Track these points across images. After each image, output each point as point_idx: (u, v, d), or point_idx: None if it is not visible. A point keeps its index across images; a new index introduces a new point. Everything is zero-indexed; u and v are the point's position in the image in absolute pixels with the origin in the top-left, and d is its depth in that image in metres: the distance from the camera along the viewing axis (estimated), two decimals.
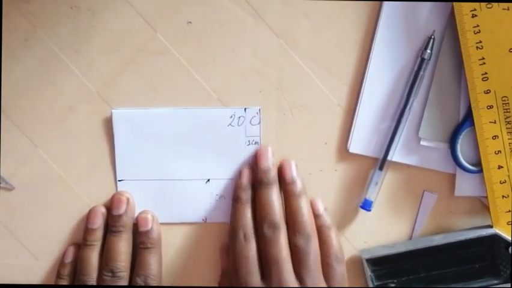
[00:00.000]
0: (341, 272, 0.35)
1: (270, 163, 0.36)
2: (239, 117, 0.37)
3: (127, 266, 0.36)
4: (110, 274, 0.35)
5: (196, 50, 0.36)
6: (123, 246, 0.36)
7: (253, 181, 0.36)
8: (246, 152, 0.37)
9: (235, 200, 0.36)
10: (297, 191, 0.36)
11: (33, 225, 0.38)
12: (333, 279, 0.35)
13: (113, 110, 0.36)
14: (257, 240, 0.35)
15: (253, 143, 0.37)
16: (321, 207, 0.37)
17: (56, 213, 0.37)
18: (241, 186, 0.36)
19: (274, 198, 0.35)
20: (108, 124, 0.37)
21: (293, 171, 0.36)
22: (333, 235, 0.36)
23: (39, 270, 0.38)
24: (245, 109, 0.37)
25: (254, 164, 0.36)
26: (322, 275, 0.35)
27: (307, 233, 0.34)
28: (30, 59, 0.36)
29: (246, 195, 0.36)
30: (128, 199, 0.36)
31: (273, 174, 0.36)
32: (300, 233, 0.34)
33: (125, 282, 0.35)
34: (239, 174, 0.37)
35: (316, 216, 0.36)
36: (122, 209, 0.36)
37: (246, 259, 0.34)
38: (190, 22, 0.36)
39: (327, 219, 0.36)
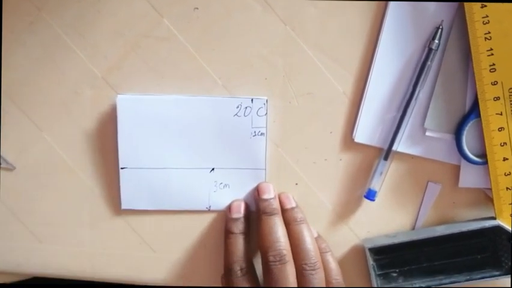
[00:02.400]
0: None
1: (272, 195, 0.36)
2: (246, 108, 0.37)
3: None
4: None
5: (202, 36, 0.36)
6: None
7: (256, 211, 0.36)
8: (252, 143, 0.37)
9: (227, 233, 0.36)
10: (298, 217, 0.36)
11: (37, 208, 0.38)
12: None
13: (118, 96, 0.36)
14: (253, 273, 0.35)
15: (259, 134, 0.37)
16: (315, 233, 0.37)
17: (60, 197, 0.38)
18: (232, 219, 0.36)
19: (279, 227, 0.35)
20: (113, 109, 0.37)
21: (292, 201, 0.37)
22: (330, 259, 0.36)
23: (43, 253, 0.38)
24: (252, 99, 0.37)
25: (256, 196, 0.37)
26: None
27: (313, 262, 0.34)
28: (35, 43, 0.36)
29: (238, 227, 0.36)
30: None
31: (276, 204, 0.36)
32: (306, 262, 0.34)
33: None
34: (228, 208, 0.37)
35: None
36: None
37: None
38: (197, 8, 0.36)
39: (322, 242, 0.37)
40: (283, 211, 0.36)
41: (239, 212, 0.37)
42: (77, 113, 0.37)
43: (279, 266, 0.33)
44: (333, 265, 0.36)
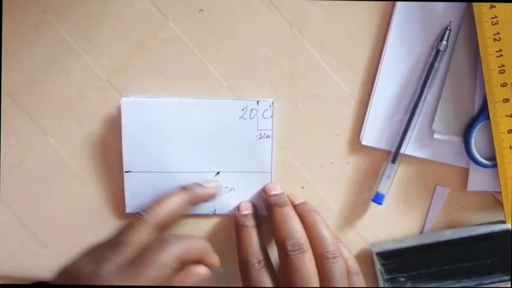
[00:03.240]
0: (360, 282, 0.35)
1: (280, 191, 0.36)
2: (251, 110, 0.36)
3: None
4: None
5: (207, 38, 0.36)
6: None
7: (266, 207, 0.36)
8: (257, 146, 0.37)
9: (239, 227, 0.35)
10: (311, 209, 0.35)
11: (41, 212, 0.37)
12: None
13: (122, 98, 0.36)
14: (270, 265, 0.34)
15: (265, 136, 0.36)
16: None
17: (64, 201, 0.37)
18: (242, 215, 0.36)
19: (293, 217, 0.34)
20: (118, 112, 0.36)
21: (300, 198, 0.37)
22: (344, 248, 0.36)
23: (47, 257, 0.38)
24: (258, 102, 0.36)
25: (264, 195, 0.36)
26: None
27: (333, 249, 0.33)
28: (40, 45, 0.36)
29: (250, 221, 0.35)
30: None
31: (286, 198, 0.36)
32: (327, 250, 0.33)
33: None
34: (237, 208, 0.37)
35: None
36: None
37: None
38: (202, 10, 0.36)
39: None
40: (294, 206, 0.35)
41: (249, 209, 0.36)
42: (82, 115, 0.36)
43: (299, 255, 0.32)
44: (347, 254, 0.35)
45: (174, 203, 0.34)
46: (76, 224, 0.38)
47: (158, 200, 0.34)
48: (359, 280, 0.34)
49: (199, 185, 0.36)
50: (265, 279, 0.33)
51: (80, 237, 0.37)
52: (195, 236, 0.34)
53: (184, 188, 0.35)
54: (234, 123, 0.36)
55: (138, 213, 0.33)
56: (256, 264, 0.33)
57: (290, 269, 0.32)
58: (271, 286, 0.33)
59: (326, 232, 0.33)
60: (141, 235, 0.32)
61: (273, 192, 0.36)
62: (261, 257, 0.34)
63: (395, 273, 0.37)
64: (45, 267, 0.38)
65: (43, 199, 0.37)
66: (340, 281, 0.32)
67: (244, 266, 0.34)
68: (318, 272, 0.32)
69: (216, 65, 0.36)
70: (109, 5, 0.35)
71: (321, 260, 0.32)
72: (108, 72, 0.36)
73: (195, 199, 0.36)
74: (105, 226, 0.38)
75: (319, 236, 0.33)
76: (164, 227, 0.33)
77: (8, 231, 0.38)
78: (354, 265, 0.35)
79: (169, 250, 0.31)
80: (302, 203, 0.36)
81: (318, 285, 0.32)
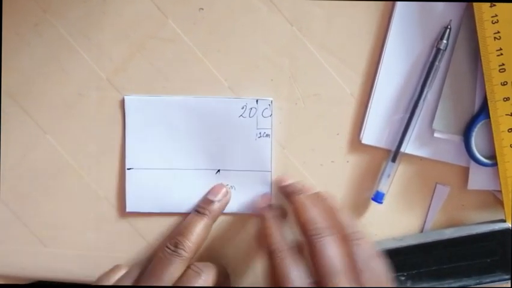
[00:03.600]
0: (381, 265, 0.33)
1: (293, 180, 0.36)
2: (251, 109, 0.36)
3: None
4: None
5: (207, 37, 0.36)
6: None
7: (284, 196, 0.36)
8: (257, 144, 0.37)
9: (262, 220, 0.35)
10: (327, 196, 0.35)
11: (41, 212, 0.37)
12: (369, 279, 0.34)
13: (125, 96, 0.36)
14: (294, 251, 0.34)
15: (264, 135, 0.36)
16: None
17: (64, 200, 0.37)
18: (263, 207, 0.36)
19: (310, 204, 0.33)
20: (118, 111, 0.36)
21: (313, 188, 0.36)
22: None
23: (47, 256, 0.38)
24: (257, 100, 0.36)
25: (279, 186, 0.36)
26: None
27: (355, 232, 0.32)
28: (40, 44, 0.36)
29: (271, 213, 0.35)
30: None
31: (300, 184, 0.36)
32: (349, 232, 0.32)
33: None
34: (257, 201, 0.37)
35: None
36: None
37: (294, 278, 0.32)
38: (202, 9, 0.36)
39: None
40: None
41: (269, 201, 0.37)
42: (82, 115, 0.36)
43: (322, 239, 0.32)
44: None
45: (201, 232, 0.35)
46: (76, 223, 0.38)
47: (184, 231, 0.35)
48: (381, 263, 0.34)
49: (210, 201, 0.36)
50: (296, 265, 0.32)
51: (80, 237, 0.38)
52: (210, 263, 0.36)
53: (199, 212, 0.36)
54: (234, 121, 0.36)
55: (169, 247, 0.34)
56: (286, 251, 0.33)
57: (315, 253, 0.32)
58: (302, 271, 0.32)
59: (347, 215, 0.33)
60: (179, 271, 0.34)
61: (287, 182, 0.36)
62: (288, 244, 0.33)
63: (395, 272, 0.37)
64: (45, 267, 0.38)
65: (43, 199, 0.37)
66: (366, 263, 0.32)
67: (274, 254, 0.33)
68: (343, 254, 0.32)
69: (216, 64, 0.36)
70: (109, 4, 0.35)
71: (345, 243, 0.32)
72: (108, 72, 0.36)
73: (215, 218, 0.37)
74: (105, 225, 0.38)
75: (340, 219, 0.33)
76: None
77: (8, 231, 0.38)
78: (374, 248, 0.34)
79: (203, 278, 0.34)
80: (317, 192, 0.35)
81: (343, 268, 0.31)
